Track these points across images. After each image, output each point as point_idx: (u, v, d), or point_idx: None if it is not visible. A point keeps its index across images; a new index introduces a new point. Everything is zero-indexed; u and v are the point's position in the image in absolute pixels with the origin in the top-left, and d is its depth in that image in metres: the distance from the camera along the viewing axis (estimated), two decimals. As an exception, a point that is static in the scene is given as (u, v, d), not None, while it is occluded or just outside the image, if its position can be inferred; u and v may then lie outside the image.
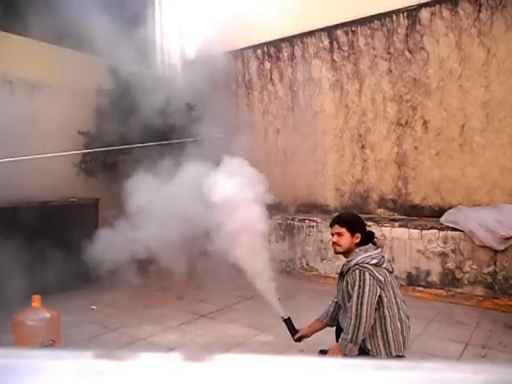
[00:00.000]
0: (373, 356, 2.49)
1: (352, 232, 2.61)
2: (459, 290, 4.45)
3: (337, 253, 2.72)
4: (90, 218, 5.36)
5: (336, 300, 2.86)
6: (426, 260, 4.64)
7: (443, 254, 4.54)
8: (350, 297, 2.49)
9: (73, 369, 0.41)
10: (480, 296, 4.33)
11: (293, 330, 2.92)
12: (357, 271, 2.45)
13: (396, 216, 5.41)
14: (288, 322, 2.92)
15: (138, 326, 3.94)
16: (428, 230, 4.65)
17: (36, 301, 2.87)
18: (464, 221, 4.40)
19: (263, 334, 3.72)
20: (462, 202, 4.89)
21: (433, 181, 5.16)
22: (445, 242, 4.53)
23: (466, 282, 4.41)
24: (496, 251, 4.22)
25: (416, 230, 4.72)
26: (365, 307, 2.39)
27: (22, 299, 3.19)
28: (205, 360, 0.43)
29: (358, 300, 2.41)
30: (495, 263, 4.25)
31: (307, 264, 5.58)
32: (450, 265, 4.50)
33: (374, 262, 2.49)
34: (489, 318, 3.99)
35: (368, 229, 2.72)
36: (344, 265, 2.62)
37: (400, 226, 4.85)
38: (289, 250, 5.76)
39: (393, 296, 2.53)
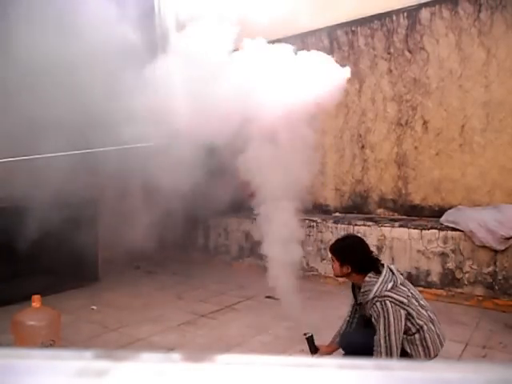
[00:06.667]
0: (411, 357, 2.48)
1: (341, 262, 2.56)
2: (459, 290, 4.45)
3: (335, 276, 2.72)
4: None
5: (348, 319, 2.87)
6: (425, 260, 4.64)
7: (443, 254, 4.54)
8: (375, 325, 2.44)
9: (73, 369, 0.41)
10: (480, 296, 4.33)
11: (313, 348, 2.88)
12: (377, 304, 2.40)
13: (396, 216, 5.40)
14: (310, 339, 2.88)
15: (137, 325, 3.94)
16: (428, 229, 4.64)
17: (36, 301, 2.87)
18: (464, 221, 4.40)
19: (263, 334, 3.72)
20: (462, 202, 4.89)
21: (433, 181, 5.15)
22: (445, 242, 4.52)
23: (466, 282, 4.41)
24: (496, 251, 4.22)
25: (416, 230, 4.72)
26: (393, 337, 2.36)
27: (22, 299, 3.19)
28: (205, 360, 0.43)
29: (385, 332, 2.36)
30: (495, 263, 4.25)
31: (307, 264, 5.58)
32: (450, 265, 4.50)
33: (391, 285, 2.44)
34: (489, 317, 3.99)
35: (372, 255, 2.62)
36: (359, 295, 2.57)
37: (400, 226, 4.85)
38: (289, 250, 5.76)
39: (417, 304, 2.51)
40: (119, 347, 3.40)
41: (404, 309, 2.42)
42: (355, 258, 2.56)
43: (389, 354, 2.35)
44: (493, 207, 4.51)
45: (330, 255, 2.69)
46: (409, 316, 2.44)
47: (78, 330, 3.76)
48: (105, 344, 3.51)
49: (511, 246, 4.16)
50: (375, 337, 2.40)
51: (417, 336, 2.47)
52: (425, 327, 2.48)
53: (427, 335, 2.48)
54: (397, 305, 2.40)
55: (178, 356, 0.44)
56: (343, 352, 2.81)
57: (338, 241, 2.76)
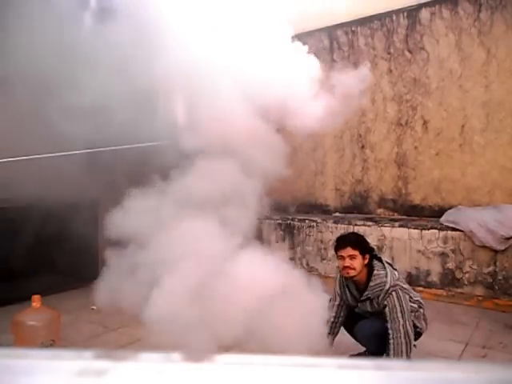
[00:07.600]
0: (420, 331, 2.71)
1: (363, 253, 2.63)
2: (459, 290, 4.45)
3: (351, 277, 2.66)
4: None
5: (333, 320, 2.91)
6: (425, 260, 4.64)
7: (443, 254, 4.54)
8: (389, 315, 2.56)
9: (73, 369, 0.41)
10: (480, 296, 4.33)
11: None
12: (393, 293, 2.56)
13: (396, 216, 5.41)
14: None
15: (138, 325, 3.94)
16: (428, 230, 4.64)
17: (36, 301, 2.87)
18: (464, 221, 4.40)
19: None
20: (462, 202, 4.89)
21: (433, 181, 5.15)
22: (445, 242, 4.52)
23: (466, 282, 4.41)
24: (496, 251, 4.22)
25: (416, 230, 4.72)
26: (407, 322, 2.53)
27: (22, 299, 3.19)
28: (205, 360, 0.43)
29: (403, 319, 2.52)
30: (495, 263, 4.25)
31: (307, 264, 5.58)
32: (450, 265, 4.50)
33: (396, 274, 2.66)
34: (489, 317, 3.99)
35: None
36: (369, 290, 2.62)
37: (400, 226, 4.85)
38: (289, 250, 5.76)
39: (409, 285, 2.79)
40: (119, 347, 3.40)
41: (407, 294, 2.62)
42: (369, 246, 2.73)
43: (407, 338, 2.49)
44: (493, 207, 4.51)
45: (346, 254, 2.60)
46: (409, 298, 2.65)
47: (78, 330, 3.75)
48: (105, 344, 3.50)
49: (511, 246, 4.16)
50: (393, 325, 2.51)
51: (421, 310, 2.72)
52: (421, 301, 2.75)
53: (424, 311, 2.76)
54: (403, 291, 2.59)
55: (178, 356, 0.44)
56: (365, 349, 2.89)
57: (347, 236, 2.79)
